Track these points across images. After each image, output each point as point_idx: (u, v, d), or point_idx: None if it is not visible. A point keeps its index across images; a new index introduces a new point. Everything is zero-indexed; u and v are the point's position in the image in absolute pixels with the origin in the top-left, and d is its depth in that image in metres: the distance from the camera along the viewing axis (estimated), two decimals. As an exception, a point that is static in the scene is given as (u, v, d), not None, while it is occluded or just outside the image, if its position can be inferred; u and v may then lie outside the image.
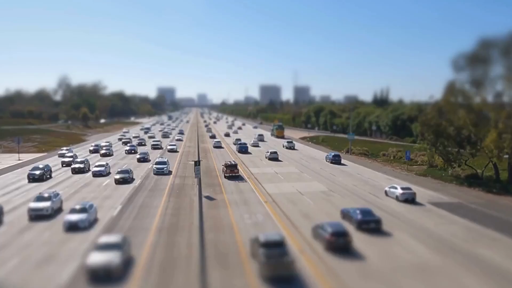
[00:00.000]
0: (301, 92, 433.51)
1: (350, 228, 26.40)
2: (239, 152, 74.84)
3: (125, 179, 43.50)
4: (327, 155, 65.26)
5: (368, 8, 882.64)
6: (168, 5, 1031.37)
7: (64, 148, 76.29)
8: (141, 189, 40.73)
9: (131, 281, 19.18)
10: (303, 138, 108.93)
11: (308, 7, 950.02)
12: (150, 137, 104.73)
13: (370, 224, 27.09)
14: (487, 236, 26.44)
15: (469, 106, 43.92)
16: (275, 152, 66.48)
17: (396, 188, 37.15)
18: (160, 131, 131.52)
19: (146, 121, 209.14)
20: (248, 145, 79.93)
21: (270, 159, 64.75)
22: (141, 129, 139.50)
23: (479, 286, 19.05)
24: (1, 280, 19.28)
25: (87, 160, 54.50)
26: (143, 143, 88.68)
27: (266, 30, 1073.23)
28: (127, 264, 20.76)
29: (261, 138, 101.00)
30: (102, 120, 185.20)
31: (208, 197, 36.79)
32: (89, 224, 27.63)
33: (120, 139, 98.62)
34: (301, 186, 42.69)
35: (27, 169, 49.67)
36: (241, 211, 32.13)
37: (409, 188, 37.12)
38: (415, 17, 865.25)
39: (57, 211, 31.17)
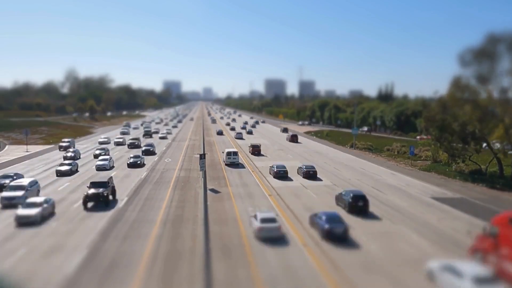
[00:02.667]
0: (306, 86, 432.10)
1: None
2: None
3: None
4: None
5: (374, 4, 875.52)
6: (174, 2, 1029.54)
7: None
8: (147, 182, 41.22)
9: (136, 272, 19.65)
10: (307, 133, 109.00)
11: (313, 3, 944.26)
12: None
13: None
14: (489, 232, 26.61)
15: (475, 101, 43.82)
16: None
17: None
18: None
19: (151, 114, 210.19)
20: None
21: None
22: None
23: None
24: None
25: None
26: None
27: (272, 25, 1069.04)
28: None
29: None
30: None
31: (213, 190, 37.20)
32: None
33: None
34: (305, 180, 42.97)
35: (35, 161, 50.56)
36: (246, 204, 32.51)
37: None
38: (420, 13, 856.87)
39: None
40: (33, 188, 33.89)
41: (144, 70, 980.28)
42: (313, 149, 73.47)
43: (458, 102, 44.78)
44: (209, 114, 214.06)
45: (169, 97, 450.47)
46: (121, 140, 77.52)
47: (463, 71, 44.73)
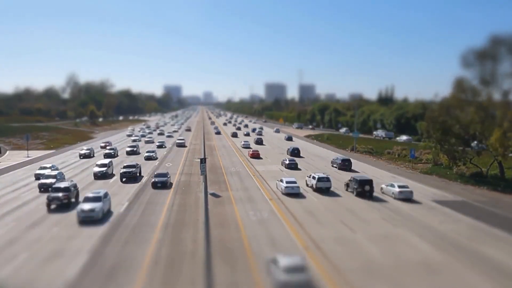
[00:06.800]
0: (306, 90, 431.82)
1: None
2: None
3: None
4: None
5: (373, 7, 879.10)
6: (174, 5, 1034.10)
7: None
8: (148, 186, 41.20)
9: (138, 277, 19.62)
10: (307, 136, 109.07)
11: (312, 5, 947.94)
12: None
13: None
14: (492, 234, 26.53)
15: (477, 103, 43.82)
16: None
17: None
18: None
19: (153, 119, 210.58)
20: None
21: None
22: None
23: (483, 284, 19.20)
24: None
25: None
26: None
27: (271, 29, 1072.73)
28: None
29: None
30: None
31: (214, 194, 37.17)
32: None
33: None
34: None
35: (36, 166, 50.78)
36: (247, 208, 32.47)
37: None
38: (420, 17, 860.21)
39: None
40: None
41: (144, 74, 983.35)
42: (313, 152, 73.45)
43: (460, 104, 44.84)
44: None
45: (169, 101, 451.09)
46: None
47: (465, 72, 44.99)
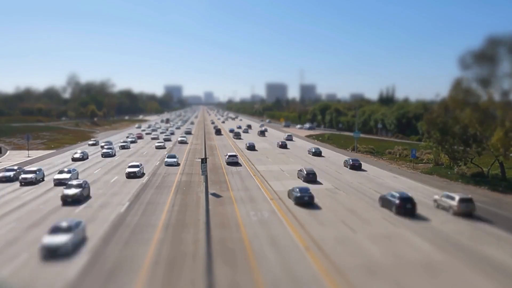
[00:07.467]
0: (307, 90, 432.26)
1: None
2: None
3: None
4: None
5: (375, 7, 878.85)
6: (174, 5, 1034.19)
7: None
8: (148, 186, 41.22)
9: (138, 277, 19.61)
10: (308, 136, 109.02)
11: (313, 6, 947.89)
12: None
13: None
14: (492, 235, 26.46)
15: (476, 104, 43.76)
16: None
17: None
18: None
19: (154, 119, 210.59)
20: None
21: None
22: None
23: (484, 285, 19.17)
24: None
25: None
26: None
27: (272, 29, 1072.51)
28: None
29: None
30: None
31: (215, 194, 37.17)
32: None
33: None
34: (307, 184, 42.86)
35: (36, 166, 50.71)
36: (247, 208, 32.46)
37: None
38: (420, 16, 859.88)
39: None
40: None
41: (145, 74, 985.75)
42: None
43: (459, 105, 44.75)
44: None
45: (170, 101, 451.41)
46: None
47: (464, 73, 44.80)
